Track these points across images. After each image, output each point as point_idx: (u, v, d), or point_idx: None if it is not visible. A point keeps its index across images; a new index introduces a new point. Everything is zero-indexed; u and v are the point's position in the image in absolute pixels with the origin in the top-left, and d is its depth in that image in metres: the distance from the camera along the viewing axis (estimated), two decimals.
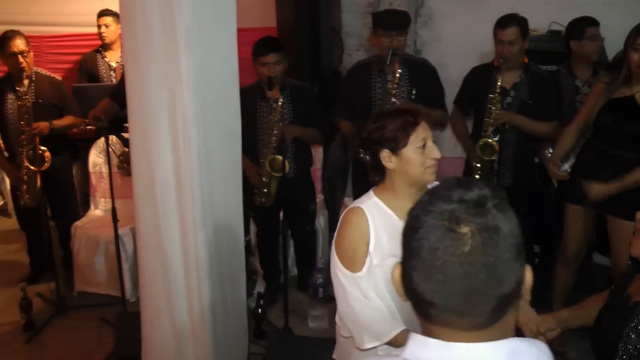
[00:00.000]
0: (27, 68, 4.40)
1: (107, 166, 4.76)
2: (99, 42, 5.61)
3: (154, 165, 2.88)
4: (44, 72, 4.63)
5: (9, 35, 4.41)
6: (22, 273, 5.04)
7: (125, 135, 4.06)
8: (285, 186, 3.98)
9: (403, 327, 2.17)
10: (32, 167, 4.37)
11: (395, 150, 2.17)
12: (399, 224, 2.13)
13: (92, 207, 4.94)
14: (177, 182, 2.87)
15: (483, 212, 1.03)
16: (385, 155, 2.19)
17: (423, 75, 4.03)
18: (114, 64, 5.55)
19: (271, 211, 4.19)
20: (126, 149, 3.97)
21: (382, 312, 2.21)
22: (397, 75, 3.82)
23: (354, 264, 2.21)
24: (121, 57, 5.57)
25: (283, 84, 4.01)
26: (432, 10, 4.44)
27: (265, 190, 3.98)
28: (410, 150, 2.16)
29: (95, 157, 4.88)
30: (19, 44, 4.38)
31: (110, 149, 3.87)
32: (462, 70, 4.20)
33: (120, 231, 4.07)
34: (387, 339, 2.16)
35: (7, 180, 6.13)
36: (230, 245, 3.12)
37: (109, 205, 4.80)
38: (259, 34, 4.19)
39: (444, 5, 5.07)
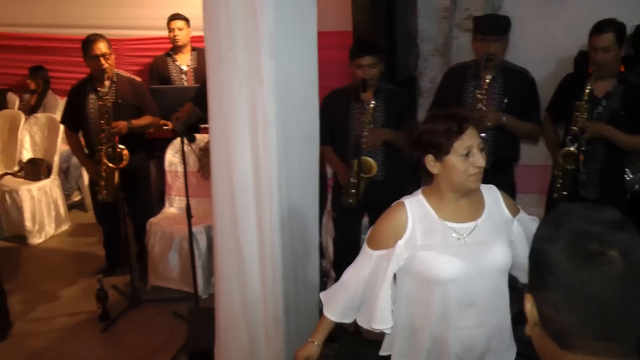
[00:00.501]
0: (108, 70, 4.55)
1: (182, 165, 4.92)
2: (169, 46, 5.76)
3: (233, 166, 2.93)
4: (124, 73, 4.78)
5: (93, 39, 4.57)
6: (97, 265, 5.23)
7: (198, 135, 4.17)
8: (373, 189, 3.97)
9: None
10: (110, 164, 4.52)
11: (438, 156, 2.17)
12: (436, 221, 2.20)
13: (166, 204, 5.07)
14: (256, 183, 2.92)
15: (626, 232, 0.98)
16: (429, 160, 2.19)
17: (518, 85, 3.89)
18: (184, 67, 5.69)
19: (355, 213, 4.18)
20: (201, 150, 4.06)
21: (358, 294, 2.31)
22: (487, 81, 3.75)
23: (374, 242, 2.27)
24: (191, 60, 5.72)
25: (377, 87, 4.00)
26: (509, 15, 4.35)
27: (353, 190, 3.98)
28: (454, 158, 2.14)
29: (172, 156, 5.02)
30: (102, 47, 4.54)
31: (187, 149, 3.97)
32: (539, 76, 4.11)
33: (194, 229, 4.17)
34: (338, 319, 2.35)
35: (86, 177, 6.37)
36: (306, 247, 3.16)
37: (184, 204, 4.91)
38: (335, 38, 4.22)
39: (522, 10, 4.98)
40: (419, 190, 2.31)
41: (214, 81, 2.96)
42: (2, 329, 4.38)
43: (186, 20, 5.58)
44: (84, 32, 5.35)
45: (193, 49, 5.76)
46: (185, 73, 5.69)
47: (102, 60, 4.51)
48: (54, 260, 5.59)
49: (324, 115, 3.31)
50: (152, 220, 4.82)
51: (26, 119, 6.51)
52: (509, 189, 3.84)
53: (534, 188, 4.73)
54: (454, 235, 2.20)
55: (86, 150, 4.85)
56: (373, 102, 3.90)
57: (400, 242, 2.20)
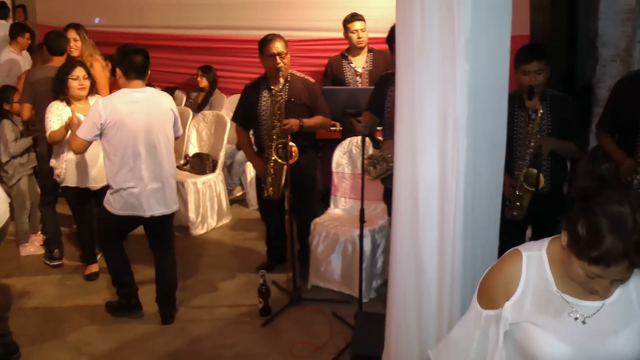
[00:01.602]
0: (283, 69, 4.64)
1: (349, 167, 4.95)
2: (341, 47, 5.80)
3: (419, 170, 2.87)
4: (298, 74, 4.86)
5: (270, 38, 4.69)
6: (256, 260, 5.37)
7: (379, 137, 4.17)
8: (538, 202, 3.82)
9: None
10: (279, 161, 4.61)
11: (569, 248, 1.83)
12: (553, 291, 1.88)
13: (331, 205, 5.11)
14: (441, 190, 2.85)
15: None
16: (563, 235, 1.88)
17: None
18: (359, 69, 5.70)
19: (519, 227, 4.04)
20: (375, 152, 4.05)
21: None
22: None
23: (484, 298, 2.02)
24: (367, 62, 5.71)
25: (543, 94, 3.85)
26: None
27: (517, 203, 3.85)
28: (581, 267, 1.80)
29: (339, 157, 5.06)
30: (279, 46, 4.65)
31: (356, 151, 3.98)
32: None
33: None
34: None
35: (248, 173, 6.57)
36: (485, 256, 3.04)
37: (349, 205, 4.97)
38: (512, 42, 4.06)
39: None
40: (546, 242, 2.01)
41: (404, 83, 2.91)
42: (170, 314, 4.58)
43: (365, 21, 5.59)
44: (254, 34, 5.55)
45: (369, 50, 5.75)
46: (360, 75, 5.69)
47: (278, 59, 4.62)
48: (215, 252, 5.80)
49: None
50: (317, 220, 4.87)
51: (193, 116, 6.82)
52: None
53: None
54: (571, 314, 1.89)
55: (255, 148, 4.98)
56: (541, 110, 3.74)
57: (508, 304, 1.94)
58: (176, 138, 4.52)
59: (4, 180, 5.63)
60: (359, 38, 5.62)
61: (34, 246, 5.83)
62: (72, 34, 5.77)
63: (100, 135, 4.20)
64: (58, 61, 5.35)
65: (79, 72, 4.86)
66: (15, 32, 7.60)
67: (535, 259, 1.97)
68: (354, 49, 5.73)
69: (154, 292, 4.64)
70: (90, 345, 4.35)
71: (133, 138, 4.18)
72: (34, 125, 5.36)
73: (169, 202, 4.40)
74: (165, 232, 4.59)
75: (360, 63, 5.71)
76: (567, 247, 1.84)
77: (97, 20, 8.80)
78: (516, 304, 1.94)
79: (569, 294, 1.90)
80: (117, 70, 4.32)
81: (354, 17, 5.60)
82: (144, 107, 4.22)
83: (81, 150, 4.35)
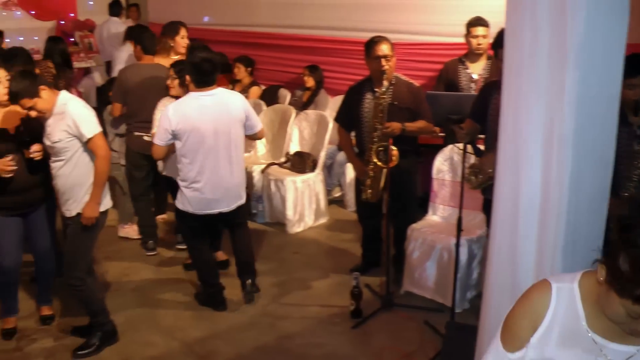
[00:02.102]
0: (388, 71, 4.63)
1: (450, 174, 4.88)
2: (457, 53, 5.69)
3: (521, 181, 2.79)
4: (403, 77, 4.83)
5: (376, 40, 4.69)
6: (351, 262, 5.38)
7: (480, 146, 4.09)
8: None
9: None
10: (379, 164, 4.60)
11: (609, 284, 1.68)
12: (582, 330, 1.72)
13: (430, 212, 5.05)
14: (543, 203, 2.75)
15: None
16: (600, 269, 1.71)
17: None
18: (475, 76, 5.55)
19: None
20: (476, 161, 3.97)
21: None
22: None
23: (509, 336, 1.88)
24: (484, 68, 5.58)
25: None
26: None
27: None
28: (622, 305, 1.64)
29: (440, 163, 4.99)
30: (384, 49, 4.64)
31: (457, 159, 3.91)
32: None
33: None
34: None
35: (348, 175, 6.59)
36: None
37: (447, 213, 4.90)
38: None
39: None
40: (578, 274, 1.86)
41: (510, 91, 2.83)
42: (251, 291, 4.89)
43: (488, 26, 5.46)
44: (362, 36, 5.55)
45: (488, 57, 5.57)
46: (475, 82, 5.53)
47: (383, 62, 4.61)
48: (310, 251, 5.86)
49: None
50: (414, 225, 4.82)
51: (297, 115, 6.91)
52: None
53: None
54: (598, 358, 1.75)
55: (356, 149, 5.00)
56: None
57: (534, 339, 1.81)
58: (253, 135, 4.79)
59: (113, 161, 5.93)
60: (479, 44, 5.47)
61: (132, 229, 6.09)
62: (182, 32, 5.98)
63: (173, 138, 4.42)
64: (149, 60, 5.61)
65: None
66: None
67: (566, 291, 1.82)
68: (472, 55, 5.59)
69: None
70: (182, 330, 4.51)
71: (203, 141, 4.39)
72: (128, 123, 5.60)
73: (237, 198, 4.65)
74: (238, 219, 4.80)
75: (477, 69, 5.57)
76: (605, 282, 1.69)
77: (206, 19, 9.09)
78: (542, 339, 1.81)
79: (599, 334, 1.76)
80: (187, 77, 4.55)
81: (479, 21, 5.46)
82: (214, 111, 4.43)
83: (159, 155, 4.59)
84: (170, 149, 4.54)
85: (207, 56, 4.44)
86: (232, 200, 4.60)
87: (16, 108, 4.14)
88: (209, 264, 4.84)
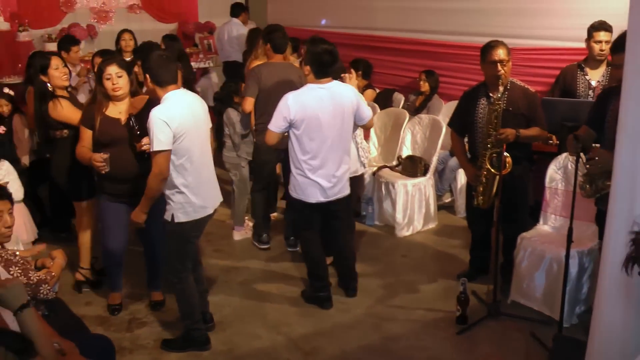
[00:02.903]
0: (503, 76, 4.57)
1: (563, 183, 4.77)
2: (575, 58, 5.54)
3: (637, 193, 2.72)
4: (519, 82, 4.76)
5: (493, 45, 4.65)
6: (459, 268, 5.37)
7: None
8: None
9: None
10: (492, 170, 4.55)
11: None
12: None
13: (541, 221, 4.95)
14: None
15: None
16: None
17: None
18: (594, 83, 5.39)
19: None
20: (590, 165, 3.87)
21: None
22: None
23: None
24: (603, 75, 5.42)
25: None
26: None
27: None
28: None
29: (554, 172, 4.88)
30: (501, 53, 4.59)
31: (573, 168, 3.82)
32: None
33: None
34: None
35: (459, 180, 6.55)
36: None
37: (559, 223, 4.79)
38: None
39: None
40: None
41: (630, 97, 2.76)
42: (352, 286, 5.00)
43: (612, 31, 5.28)
44: (477, 40, 5.51)
45: (608, 63, 5.39)
46: (593, 89, 5.37)
47: (499, 67, 4.56)
48: (418, 255, 5.87)
49: None
50: (524, 234, 4.74)
51: (410, 118, 6.93)
52: None
53: None
54: None
55: (468, 155, 4.97)
56: None
57: None
58: (364, 125, 4.94)
59: (227, 167, 6.18)
60: (602, 50, 5.28)
61: (247, 230, 6.32)
62: None
63: (290, 127, 4.58)
64: (279, 59, 5.80)
65: None
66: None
67: None
68: (592, 60, 5.42)
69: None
70: (288, 326, 4.65)
71: (320, 130, 4.54)
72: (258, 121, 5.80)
73: (345, 188, 4.78)
74: (345, 211, 4.92)
75: (596, 76, 5.39)
76: None
77: (323, 22, 9.27)
78: None
79: None
80: (306, 67, 4.67)
81: (602, 25, 5.27)
82: (329, 102, 4.56)
83: (272, 141, 4.70)
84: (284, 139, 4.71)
85: (328, 48, 4.59)
86: (341, 189, 4.74)
87: (134, 102, 4.48)
88: (319, 257, 4.94)
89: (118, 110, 4.48)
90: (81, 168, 4.77)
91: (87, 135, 4.52)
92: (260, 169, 5.97)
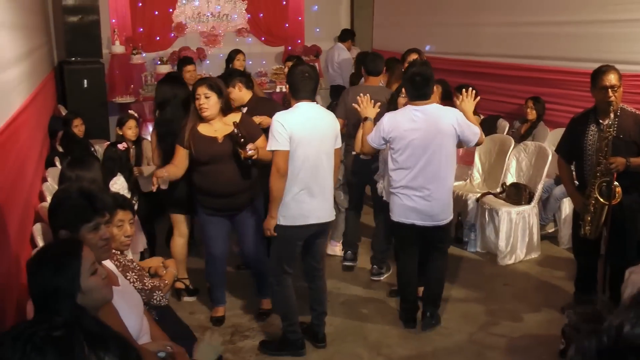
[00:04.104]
0: (614, 103, 4.52)
1: None
2: None
3: None
4: (629, 109, 4.68)
5: (604, 70, 4.60)
6: (563, 299, 5.28)
7: None
8: None
9: None
10: (601, 200, 4.49)
11: None
12: None
13: None
14: None
15: None
16: None
17: None
18: None
19: None
20: None
21: None
22: None
23: None
24: None
25: None
26: None
27: None
28: None
29: None
30: (612, 79, 4.53)
31: None
32: None
33: None
34: None
35: (564, 210, 6.45)
36: None
37: None
38: None
39: None
40: None
41: None
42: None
43: None
44: (586, 66, 5.45)
45: None
46: None
47: (610, 92, 4.51)
48: (521, 284, 5.84)
49: None
50: (633, 268, 4.58)
51: (515, 145, 6.89)
52: None
53: None
54: None
55: (576, 182, 4.92)
56: None
57: None
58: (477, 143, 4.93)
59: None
60: None
61: (339, 248, 6.46)
62: (413, 57, 6.35)
63: (385, 143, 4.78)
64: (374, 81, 6.02)
65: None
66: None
67: None
68: None
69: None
70: (389, 347, 4.74)
71: (412, 151, 4.64)
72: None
73: (443, 214, 4.76)
74: (439, 241, 4.93)
75: None
76: None
77: (428, 48, 9.36)
78: None
79: None
80: (403, 90, 4.86)
81: None
82: (423, 125, 4.63)
83: (365, 150, 4.96)
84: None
85: (418, 70, 4.70)
86: (437, 215, 4.73)
87: (227, 120, 4.72)
88: (410, 278, 5.00)
89: (213, 129, 4.74)
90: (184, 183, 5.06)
91: (180, 153, 4.81)
92: (349, 189, 6.16)
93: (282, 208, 4.39)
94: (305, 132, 4.31)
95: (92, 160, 4.17)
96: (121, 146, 5.62)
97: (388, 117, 4.75)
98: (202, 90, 4.66)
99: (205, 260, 5.16)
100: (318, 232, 4.56)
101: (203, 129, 4.74)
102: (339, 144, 4.59)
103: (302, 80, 4.40)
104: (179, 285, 5.49)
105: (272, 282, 4.63)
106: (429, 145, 4.63)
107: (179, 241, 5.46)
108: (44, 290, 2.24)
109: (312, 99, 4.48)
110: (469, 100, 4.91)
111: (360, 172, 5.84)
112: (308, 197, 4.40)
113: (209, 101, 4.65)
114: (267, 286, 5.02)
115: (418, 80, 4.64)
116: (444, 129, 4.66)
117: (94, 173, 3.89)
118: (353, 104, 5.23)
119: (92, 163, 4.03)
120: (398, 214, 4.78)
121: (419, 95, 4.68)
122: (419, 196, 4.68)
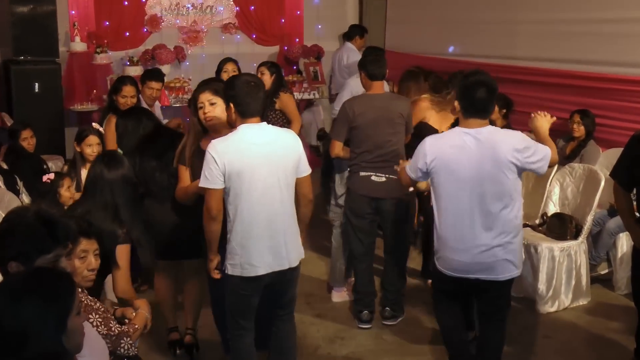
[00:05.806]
0: None
1: None
2: None
3: None
4: None
5: None
6: (620, 357, 5.25)
7: None
8: None
9: None
10: None
11: None
12: None
13: None
14: None
15: None
16: None
17: None
18: None
19: None
20: None
21: None
22: None
23: None
24: None
25: None
26: None
27: None
28: None
29: None
30: None
31: None
32: None
33: None
34: None
35: (620, 247, 6.36)
36: None
37: None
38: None
39: None
40: None
41: None
42: None
43: None
44: None
45: None
46: None
47: None
48: (566, 337, 5.75)
49: None
50: None
51: (558, 168, 6.79)
52: None
53: None
54: None
55: (637, 214, 4.82)
56: None
57: None
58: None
59: (330, 217, 6.29)
60: None
61: (348, 292, 6.34)
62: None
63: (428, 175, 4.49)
64: (379, 87, 5.76)
65: None
66: None
67: None
68: None
69: None
70: None
71: (458, 186, 4.34)
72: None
73: (500, 266, 4.40)
74: (500, 301, 4.66)
75: None
76: None
77: (451, 49, 9.31)
78: None
79: None
80: (456, 103, 4.45)
81: None
82: (473, 154, 4.30)
83: (404, 183, 4.86)
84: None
85: (483, 79, 4.36)
86: (490, 267, 4.38)
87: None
88: (454, 329, 4.79)
89: None
90: None
91: (185, 174, 4.77)
92: (353, 223, 5.85)
93: (228, 254, 4.24)
94: (246, 163, 4.13)
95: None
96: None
97: (429, 141, 4.47)
98: (206, 97, 4.64)
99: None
100: (277, 282, 4.34)
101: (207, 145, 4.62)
102: (304, 171, 4.37)
103: (248, 94, 4.19)
104: (174, 336, 5.32)
105: (228, 337, 4.49)
106: (485, 177, 4.29)
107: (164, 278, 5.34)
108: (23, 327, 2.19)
109: (260, 116, 4.28)
110: (540, 122, 4.65)
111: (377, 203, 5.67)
112: (256, 242, 4.20)
113: (214, 108, 4.62)
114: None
115: (482, 95, 4.29)
116: (501, 159, 4.28)
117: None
118: None
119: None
120: (445, 266, 4.51)
121: (476, 112, 4.33)
122: (461, 240, 4.39)
